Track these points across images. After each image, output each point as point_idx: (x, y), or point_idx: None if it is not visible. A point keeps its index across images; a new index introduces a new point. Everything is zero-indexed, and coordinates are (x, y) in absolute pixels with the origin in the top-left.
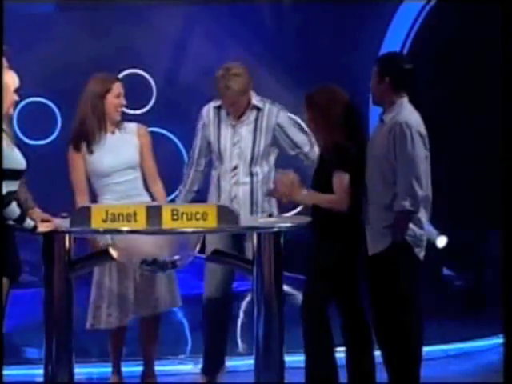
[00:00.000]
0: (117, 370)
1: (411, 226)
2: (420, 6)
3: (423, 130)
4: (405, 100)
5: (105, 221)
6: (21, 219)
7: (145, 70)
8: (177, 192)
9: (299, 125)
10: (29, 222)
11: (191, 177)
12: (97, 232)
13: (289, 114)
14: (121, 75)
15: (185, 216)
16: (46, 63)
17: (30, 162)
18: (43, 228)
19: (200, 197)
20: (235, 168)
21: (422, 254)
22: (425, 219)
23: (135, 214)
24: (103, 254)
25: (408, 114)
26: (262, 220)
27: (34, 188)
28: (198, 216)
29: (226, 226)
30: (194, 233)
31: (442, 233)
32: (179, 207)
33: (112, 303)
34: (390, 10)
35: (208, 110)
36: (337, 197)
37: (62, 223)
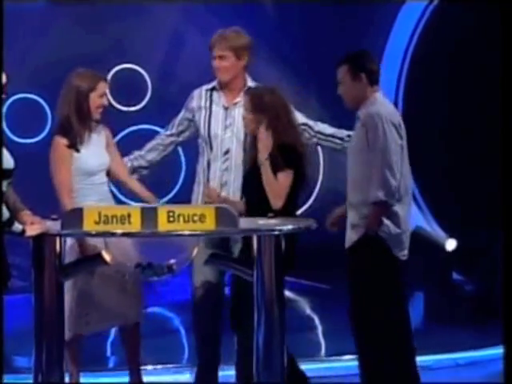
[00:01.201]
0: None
1: (387, 222)
2: (423, 6)
3: (397, 119)
4: (378, 94)
5: (97, 223)
6: (9, 222)
7: (139, 65)
8: (171, 195)
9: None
10: (17, 226)
11: (153, 142)
12: (89, 235)
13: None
14: (114, 70)
15: (181, 218)
16: (35, 58)
17: (19, 162)
18: (32, 231)
19: (154, 178)
20: (227, 152)
21: (402, 254)
22: (404, 216)
23: (129, 215)
24: (96, 258)
25: (380, 105)
26: (262, 222)
27: (23, 189)
28: (196, 218)
29: (224, 228)
30: (191, 235)
31: (451, 235)
32: (176, 209)
33: (92, 310)
34: (392, 10)
35: (200, 93)
36: (274, 193)
37: (53, 226)
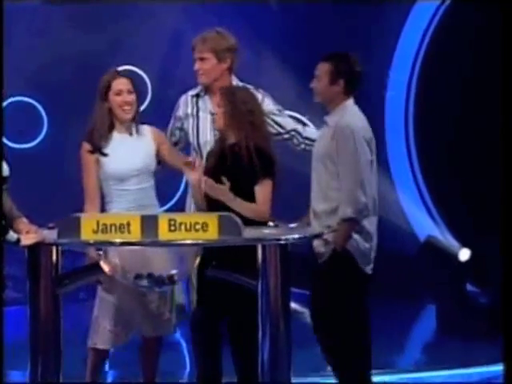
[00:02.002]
0: None
1: (356, 236)
2: (435, 6)
3: (368, 135)
4: (350, 102)
5: (96, 232)
6: (3, 231)
7: (139, 67)
8: (172, 202)
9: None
10: (12, 235)
11: None
12: (87, 244)
13: (272, 100)
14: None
15: (183, 226)
16: (30, 59)
17: (14, 168)
18: (28, 241)
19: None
20: None
21: (369, 268)
22: (372, 231)
23: (129, 224)
24: (94, 269)
25: (352, 117)
26: (267, 231)
27: (19, 196)
28: (198, 227)
29: (228, 237)
30: (193, 245)
31: (464, 245)
32: (177, 217)
33: (116, 322)
34: (403, 10)
35: (186, 100)
36: (260, 207)
37: (49, 234)
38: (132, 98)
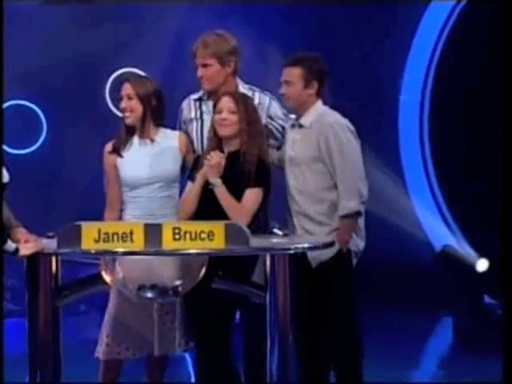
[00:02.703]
0: None
1: (354, 236)
2: (450, 5)
3: (352, 126)
4: (320, 102)
5: (97, 241)
6: (1, 241)
7: (142, 69)
8: None
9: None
10: (10, 244)
11: None
12: (88, 254)
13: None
14: (114, 75)
15: (188, 235)
16: (29, 61)
17: (12, 174)
18: (26, 250)
19: None
20: None
21: (354, 262)
22: (363, 227)
23: (132, 233)
24: (95, 280)
25: (331, 114)
26: (275, 240)
27: (17, 204)
28: (203, 235)
29: (234, 246)
30: (198, 255)
31: (482, 255)
32: (182, 225)
33: (126, 338)
34: (417, 10)
35: (188, 104)
36: (242, 209)
37: (48, 244)
38: (131, 103)
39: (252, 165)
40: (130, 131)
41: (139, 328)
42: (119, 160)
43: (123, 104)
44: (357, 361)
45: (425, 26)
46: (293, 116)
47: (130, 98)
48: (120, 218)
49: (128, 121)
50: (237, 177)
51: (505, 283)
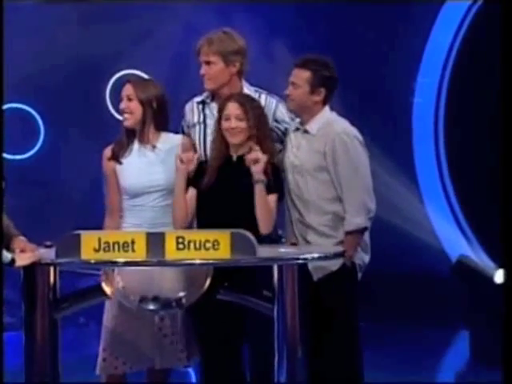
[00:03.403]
0: None
1: (358, 249)
2: (466, 5)
3: (360, 136)
4: (327, 109)
5: (97, 250)
6: None
7: (145, 72)
8: None
9: None
10: (6, 255)
11: None
12: (87, 264)
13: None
14: (115, 77)
15: (192, 245)
16: (26, 62)
17: (7, 181)
18: (23, 261)
19: None
20: None
21: (359, 276)
22: (368, 240)
23: (133, 242)
24: (95, 291)
25: (339, 121)
26: (283, 250)
27: (12, 211)
28: (208, 245)
29: (241, 256)
30: (203, 265)
31: (501, 265)
32: (185, 234)
33: (123, 351)
34: (432, 10)
35: (191, 107)
36: (273, 215)
37: (46, 254)
38: (130, 105)
39: (267, 171)
40: (130, 135)
41: (138, 341)
42: (118, 166)
43: (122, 105)
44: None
45: (439, 27)
46: (297, 119)
47: (129, 99)
48: (119, 226)
49: (126, 123)
50: (245, 181)
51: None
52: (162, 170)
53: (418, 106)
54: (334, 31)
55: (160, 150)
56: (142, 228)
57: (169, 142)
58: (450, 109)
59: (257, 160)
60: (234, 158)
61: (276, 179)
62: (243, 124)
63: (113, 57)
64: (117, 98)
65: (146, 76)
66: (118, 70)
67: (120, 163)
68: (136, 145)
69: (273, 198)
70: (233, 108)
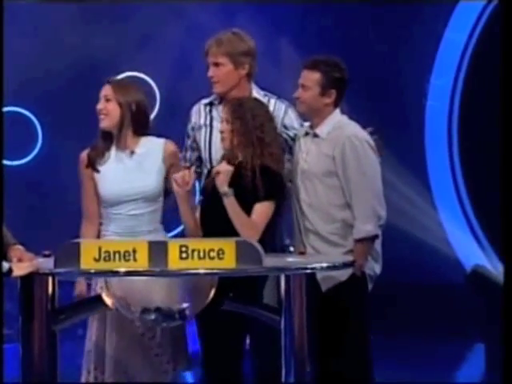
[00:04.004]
0: None
1: (369, 258)
2: (481, 5)
3: (371, 141)
4: (338, 111)
5: (97, 260)
6: None
7: (146, 74)
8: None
9: None
10: (3, 264)
11: None
12: (87, 274)
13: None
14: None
15: (196, 254)
16: (24, 64)
17: (4, 187)
18: (20, 270)
19: None
20: None
21: (370, 287)
22: (380, 249)
23: (135, 251)
24: (95, 302)
25: (350, 125)
26: (290, 259)
27: (8, 219)
28: (213, 254)
29: (246, 266)
30: (207, 274)
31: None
32: (189, 243)
33: (106, 367)
34: (445, 9)
35: (198, 109)
36: (253, 224)
37: (44, 263)
38: (107, 105)
39: (256, 176)
40: (107, 140)
41: (123, 354)
42: (95, 174)
43: (99, 105)
44: None
45: (453, 26)
46: (307, 123)
47: (107, 100)
48: (98, 234)
49: (102, 124)
50: (241, 190)
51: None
52: (141, 179)
53: (431, 108)
54: (344, 32)
55: (138, 156)
56: (125, 236)
57: (148, 146)
58: (464, 112)
59: (217, 172)
60: (240, 162)
61: (268, 185)
62: (229, 127)
63: (113, 59)
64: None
65: (145, 78)
66: (119, 73)
67: (97, 171)
68: (113, 150)
69: (263, 205)
70: (224, 111)
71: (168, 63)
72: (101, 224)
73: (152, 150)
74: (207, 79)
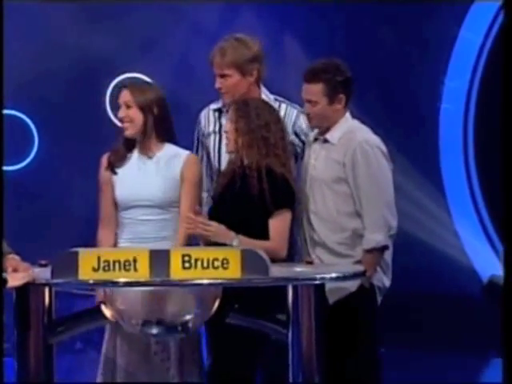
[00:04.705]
0: None
1: (378, 269)
2: (497, 5)
3: (383, 147)
4: (348, 114)
5: (96, 270)
6: None
7: (146, 75)
8: None
9: None
10: None
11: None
12: (86, 284)
13: None
14: (115, 81)
15: (199, 263)
16: (19, 66)
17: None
18: (15, 281)
19: None
20: None
21: (379, 300)
22: (390, 260)
23: (135, 260)
24: (93, 314)
25: (361, 130)
26: (298, 269)
27: (5, 227)
28: (217, 263)
29: (252, 276)
30: (211, 285)
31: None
32: (192, 252)
33: (119, 375)
34: (460, 8)
35: (207, 115)
36: (275, 244)
37: (41, 273)
38: (129, 113)
39: (262, 179)
40: (130, 145)
41: (132, 365)
42: (114, 177)
43: (121, 113)
44: None
45: (469, 26)
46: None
47: (128, 107)
48: (115, 242)
49: (127, 132)
50: (250, 198)
51: None
52: (156, 184)
53: (446, 112)
54: (355, 32)
55: (158, 162)
56: (133, 243)
57: (170, 154)
58: (480, 115)
59: (216, 233)
60: (245, 164)
61: (278, 193)
62: (233, 127)
63: (112, 61)
64: (117, 104)
65: (147, 79)
66: (118, 75)
67: (115, 173)
68: (135, 154)
69: (281, 217)
70: (229, 111)
71: (169, 64)
72: (116, 234)
73: (173, 158)
74: (208, 80)
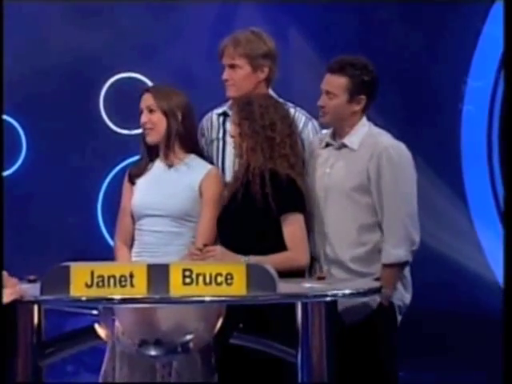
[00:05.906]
0: None
1: (399, 286)
2: None
3: (409, 153)
4: (365, 119)
5: (89, 286)
6: None
7: (144, 75)
8: None
9: None
10: None
11: None
12: (78, 301)
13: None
14: (110, 81)
15: (201, 279)
16: (7, 67)
17: None
18: (2, 299)
19: None
20: None
21: (399, 319)
22: (409, 276)
23: (132, 275)
24: (86, 333)
25: (382, 134)
26: (308, 284)
27: None
28: (220, 279)
29: (258, 293)
30: (213, 302)
31: None
32: (193, 266)
33: None
34: (483, 6)
35: (209, 120)
36: (293, 253)
37: (30, 290)
38: (151, 117)
39: (266, 183)
40: (153, 154)
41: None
42: (133, 187)
43: (143, 118)
44: None
45: (493, 23)
46: (324, 131)
47: (151, 111)
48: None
49: (149, 139)
50: (250, 198)
51: None
52: (172, 194)
53: (469, 113)
54: (375, 31)
55: (177, 172)
56: (143, 257)
57: (192, 164)
58: (505, 117)
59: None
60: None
61: (285, 197)
62: (238, 131)
63: (106, 61)
64: (111, 106)
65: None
66: (112, 75)
67: (134, 184)
68: (157, 163)
69: (290, 220)
70: (232, 113)
71: (165, 64)
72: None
73: (194, 169)
74: (209, 80)
